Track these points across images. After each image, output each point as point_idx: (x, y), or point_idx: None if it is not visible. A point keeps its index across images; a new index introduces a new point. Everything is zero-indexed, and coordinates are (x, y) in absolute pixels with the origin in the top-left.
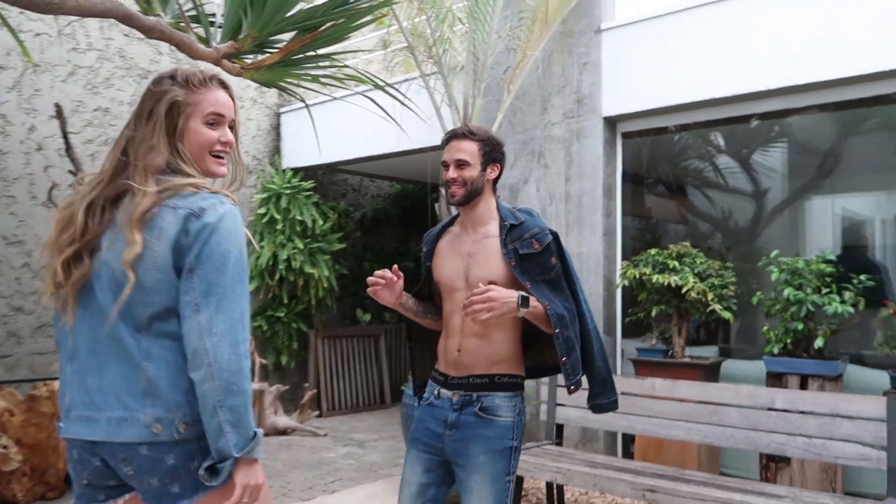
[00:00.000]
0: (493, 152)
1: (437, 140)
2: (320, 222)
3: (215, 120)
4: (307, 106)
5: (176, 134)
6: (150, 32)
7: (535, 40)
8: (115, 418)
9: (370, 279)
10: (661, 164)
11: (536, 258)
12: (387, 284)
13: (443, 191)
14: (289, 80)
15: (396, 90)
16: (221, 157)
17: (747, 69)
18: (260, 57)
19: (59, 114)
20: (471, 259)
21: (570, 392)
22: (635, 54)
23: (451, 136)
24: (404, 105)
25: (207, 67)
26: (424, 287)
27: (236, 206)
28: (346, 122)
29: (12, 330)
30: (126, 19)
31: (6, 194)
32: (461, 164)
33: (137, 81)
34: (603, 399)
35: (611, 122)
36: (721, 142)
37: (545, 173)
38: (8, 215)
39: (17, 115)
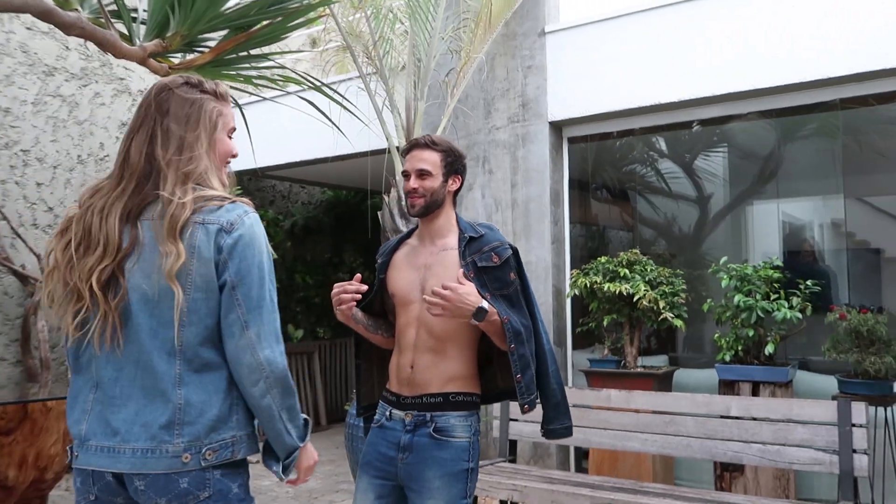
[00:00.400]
0: (455, 163)
1: (378, 144)
2: None
3: (231, 135)
4: (239, 107)
5: (210, 144)
6: (70, 29)
7: (478, 42)
8: (141, 449)
9: (337, 288)
10: (607, 169)
11: (495, 272)
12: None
13: (385, 198)
14: (220, 81)
15: (335, 91)
16: (227, 167)
17: (689, 75)
18: (189, 56)
19: None
20: (427, 271)
21: (523, 411)
22: (580, 58)
23: (413, 146)
24: (343, 107)
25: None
26: (376, 301)
27: (254, 209)
28: (277, 125)
29: None
30: (44, 15)
31: None
32: (423, 175)
33: (42, 79)
34: (556, 424)
35: (556, 127)
36: (664, 147)
37: (490, 179)
38: None
39: None
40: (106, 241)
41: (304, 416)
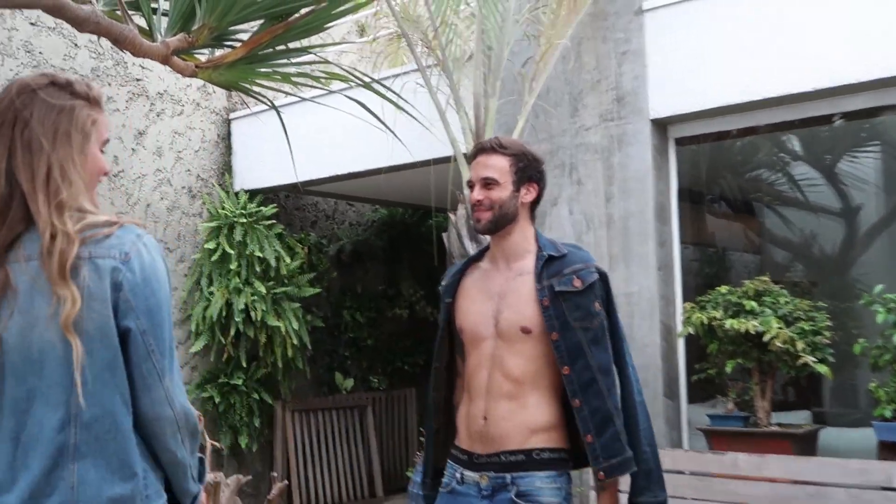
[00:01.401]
0: (528, 169)
1: (441, 151)
2: (286, 260)
3: (104, 148)
4: (276, 109)
5: (82, 161)
6: (84, 25)
7: (561, 25)
8: None
9: None
10: (725, 176)
11: (575, 299)
12: None
13: (451, 216)
14: (255, 79)
15: (387, 88)
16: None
17: (827, 57)
18: (219, 52)
19: None
20: (501, 301)
21: (599, 479)
22: (687, 40)
23: (479, 150)
24: (398, 107)
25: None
26: (444, 342)
27: (146, 231)
28: (320, 131)
29: None
30: (55, 10)
31: None
32: (489, 184)
33: None
34: (648, 497)
35: (660, 126)
36: (798, 148)
37: (579, 191)
38: None
39: None
40: None
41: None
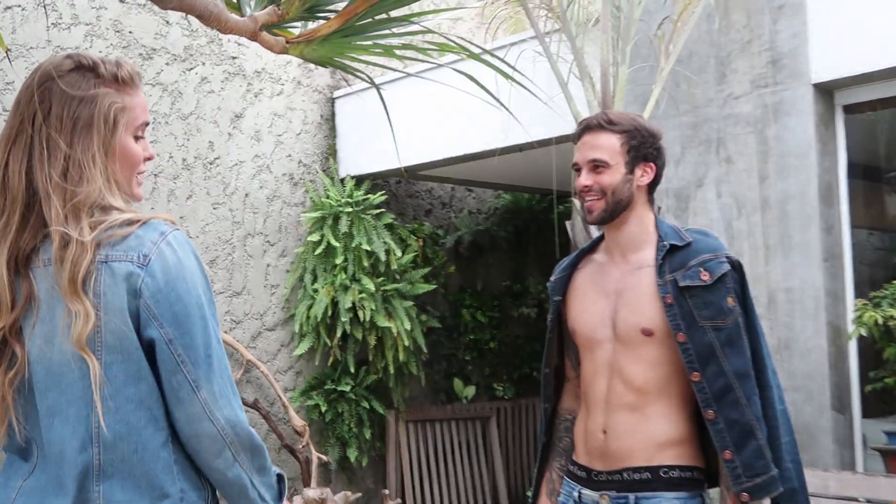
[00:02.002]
0: (642, 147)
1: (564, 128)
2: (398, 253)
3: (142, 132)
4: (376, 86)
5: (109, 154)
6: (166, 2)
7: None
8: None
9: None
10: None
11: (704, 295)
12: None
13: (575, 202)
14: (352, 54)
15: (501, 60)
16: (139, 177)
17: None
18: (311, 25)
19: None
20: (619, 299)
21: (742, 501)
22: None
23: (584, 129)
24: (512, 80)
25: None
26: (552, 344)
27: (176, 226)
28: (429, 109)
29: None
30: None
31: None
32: (598, 167)
33: (138, 63)
34: None
35: (825, 92)
36: None
37: (728, 170)
38: None
39: None
40: (6, 302)
41: (276, 469)
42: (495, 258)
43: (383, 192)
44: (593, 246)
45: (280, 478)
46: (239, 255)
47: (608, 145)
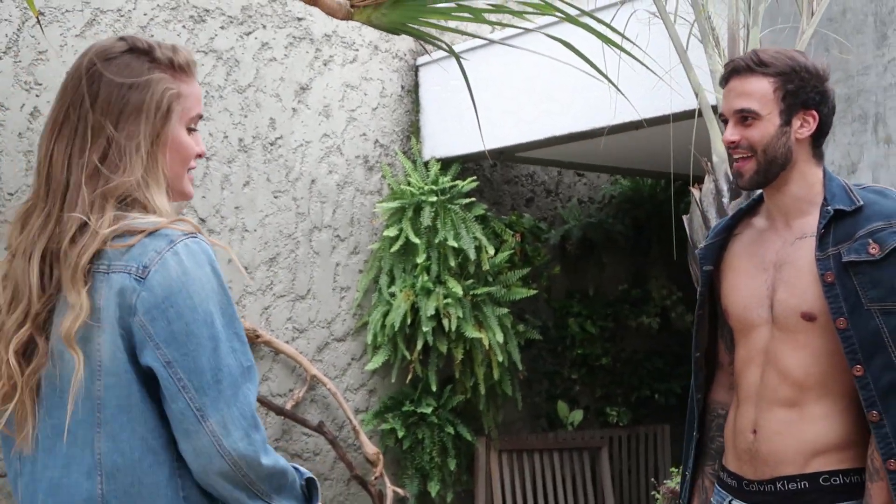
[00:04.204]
0: (801, 92)
1: (682, 104)
2: (490, 251)
3: (195, 124)
4: (455, 55)
5: (157, 143)
6: None
7: None
8: None
9: None
10: None
11: (871, 272)
12: None
13: (694, 193)
14: (428, 18)
15: (606, 25)
16: (190, 173)
17: None
18: None
19: None
20: (778, 274)
21: None
22: None
23: (731, 72)
24: (620, 49)
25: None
26: (703, 322)
27: (195, 233)
28: (524, 80)
29: None
30: None
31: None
32: (746, 118)
33: (189, 29)
34: None
35: None
36: None
37: (888, 153)
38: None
39: (14, 94)
40: (29, 293)
41: (305, 473)
42: (610, 257)
43: (474, 177)
44: (753, 207)
45: (310, 482)
46: (303, 253)
47: (758, 91)
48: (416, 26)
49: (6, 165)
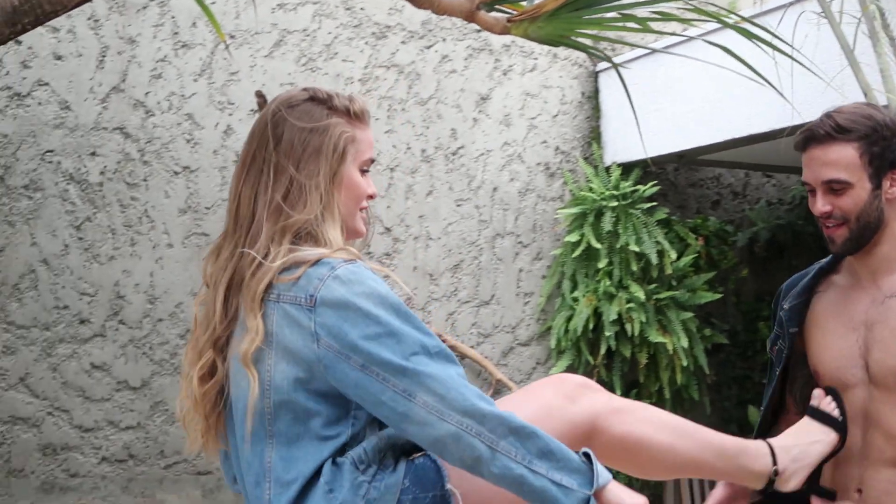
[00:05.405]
0: (888, 152)
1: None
2: (672, 255)
3: (367, 167)
4: (615, 66)
5: (334, 182)
6: None
7: None
8: None
9: None
10: None
11: None
12: None
13: None
14: (585, 30)
15: (765, 30)
16: (363, 213)
17: None
18: (536, 0)
19: (263, 106)
20: (870, 334)
21: None
22: None
23: (808, 140)
24: (778, 51)
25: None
26: (777, 383)
27: (354, 260)
28: (700, 84)
29: None
30: None
31: (198, 231)
32: (834, 188)
33: (371, 44)
34: None
35: None
36: None
37: None
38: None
39: (208, 114)
40: (215, 318)
41: (584, 453)
42: (800, 259)
43: (655, 181)
44: (833, 265)
45: (587, 457)
46: (486, 259)
47: (844, 159)
48: (573, 38)
49: (203, 181)
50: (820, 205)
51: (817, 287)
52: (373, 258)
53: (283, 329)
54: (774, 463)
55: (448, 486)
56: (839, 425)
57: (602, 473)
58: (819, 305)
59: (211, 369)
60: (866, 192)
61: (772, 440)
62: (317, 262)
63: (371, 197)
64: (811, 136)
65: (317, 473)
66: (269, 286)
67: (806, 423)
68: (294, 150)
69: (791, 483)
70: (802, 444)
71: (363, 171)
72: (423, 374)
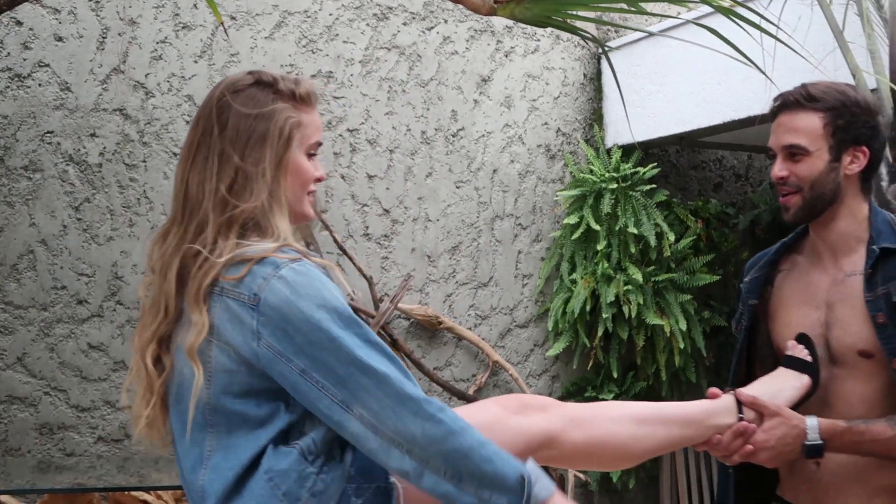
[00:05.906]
0: (851, 128)
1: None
2: (671, 238)
3: (314, 150)
4: (604, 49)
5: (280, 168)
6: None
7: None
8: None
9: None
10: None
11: None
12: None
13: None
14: (576, 10)
15: (761, 16)
16: (311, 196)
17: None
18: None
19: None
20: (831, 313)
21: None
22: None
23: (780, 107)
24: (767, 34)
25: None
26: (742, 357)
27: (299, 258)
28: (700, 66)
29: None
30: None
31: None
32: (794, 154)
33: (372, 26)
34: None
35: None
36: None
37: None
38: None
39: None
40: (165, 308)
41: (519, 468)
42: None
43: (655, 164)
44: (795, 242)
45: (524, 476)
46: (485, 241)
47: (807, 127)
48: (565, 21)
49: None
50: (777, 169)
51: (780, 265)
52: (371, 240)
53: (226, 324)
54: (740, 412)
55: (392, 479)
56: (811, 367)
57: (541, 492)
58: (782, 283)
59: (156, 358)
60: (823, 163)
61: (739, 390)
62: (262, 259)
63: (319, 180)
64: (783, 102)
65: (255, 462)
66: (214, 281)
67: (778, 370)
68: (239, 138)
69: None
70: (773, 389)
71: (310, 155)
72: (361, 387)
